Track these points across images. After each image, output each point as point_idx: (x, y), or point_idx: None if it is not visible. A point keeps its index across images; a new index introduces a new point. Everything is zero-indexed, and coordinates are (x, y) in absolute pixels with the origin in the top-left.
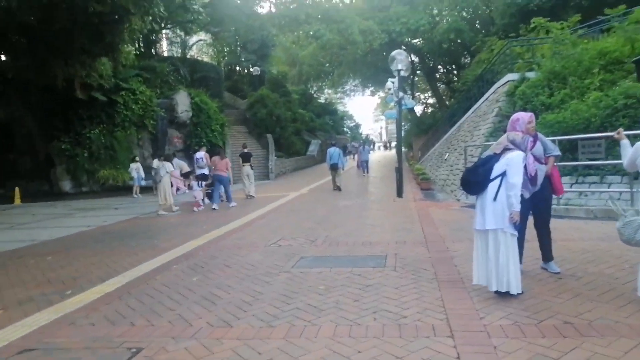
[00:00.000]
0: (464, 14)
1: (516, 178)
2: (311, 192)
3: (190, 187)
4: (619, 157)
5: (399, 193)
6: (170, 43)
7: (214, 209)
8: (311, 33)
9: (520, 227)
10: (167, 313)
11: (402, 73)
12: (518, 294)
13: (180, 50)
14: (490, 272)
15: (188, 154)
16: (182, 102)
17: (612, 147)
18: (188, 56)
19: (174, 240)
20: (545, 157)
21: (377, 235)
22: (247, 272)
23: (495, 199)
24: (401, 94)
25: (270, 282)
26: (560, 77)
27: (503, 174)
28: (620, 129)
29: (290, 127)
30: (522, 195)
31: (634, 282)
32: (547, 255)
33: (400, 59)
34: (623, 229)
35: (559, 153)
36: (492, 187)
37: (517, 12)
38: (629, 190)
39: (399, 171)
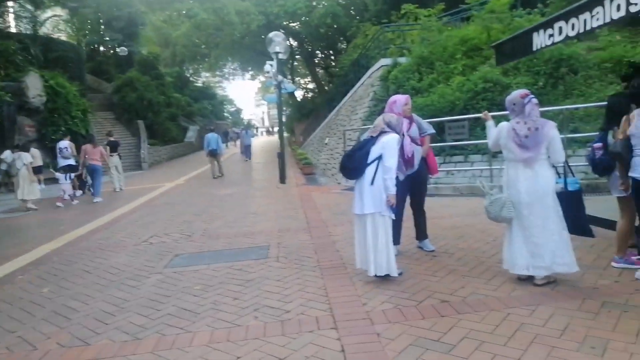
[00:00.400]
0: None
1: (391, 161)
2: (189, 182)
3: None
4: (480, 137)
5: (282, 179)
6: (17, 18)
7: (97, 201)
8: (183, 12)
9: (398, 210)
10: (5, 337)
11: (280, 56)
12: (398, 274)
13: (30, 27)
14: (369, 256)
15: (43, 144)
16: (34, 85)
17: (474, 128)
18: (40, 33)
19: (23, 245)
20: (420, 137)
21: (260, 224)
22: (110, 277)
23: (372, 182)
24: (280, 77)
25: (138, 287)
26: (428, 62)
27: (379, 158)
28: (486, 112)
29: (165, 112)
30: (397, 178)
31: (498, 255)
32: (422, 234)
33: (278, 41)
34: (490, 207)
35: (433, 131)
36: (369, 171)
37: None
38: (488, 167)
39: (281, 157)
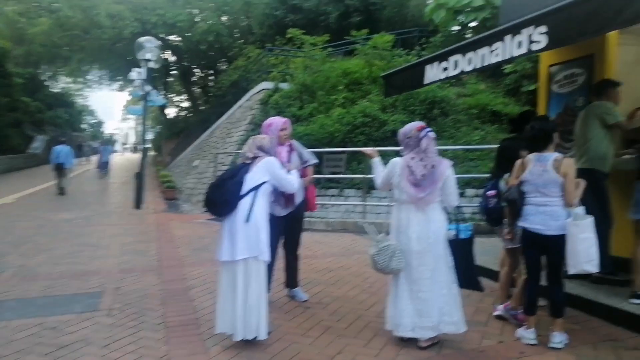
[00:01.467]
0: (224, 19)
1: (285, 179)
2: (21, 201)
3: None
4: (355, 171)
5: (138, 203)
6: None
7: None
8: (44, 5)
9: (270, 252)
10: None
11: (151, 64)
12: (267, 334)
13: None
14: (237, 316)
15: None
16: None
17: (351, 162)
18: None
19: None
20: (302, 168)
21: (98, 261)
22: None
23: (247, 219)
24: (148, 87)
25: None
26: (311, 90)
27: (256, 189)
28: (374, 149)
29: (7, 117)
30: (272, 215)
31: (376, 306)
32: (293, 282)
33: (150, 48)
34: (377, 256)
35: (316, 161)
36: (243, 205)
37: (275, 24)
38: (362, 203)
39: (139, 178)
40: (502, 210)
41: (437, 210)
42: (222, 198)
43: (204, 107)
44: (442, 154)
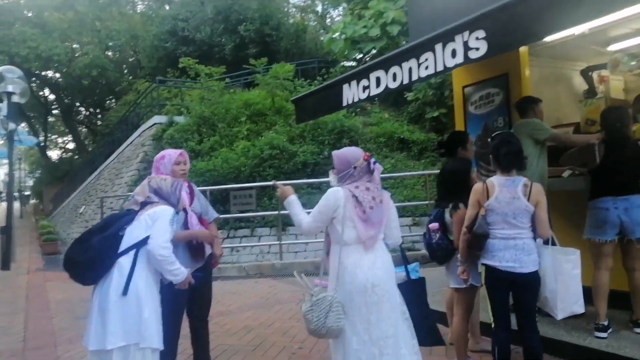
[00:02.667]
0: (110, 54)
1: (160, 240)
2: None
3: None
4: (267, 207)
5: (5, 263)
6: None
7: None
8: None
9: (173, 327)
10: None
11: (15, 98)
12: None
13: None
14: None
15: None
16: None
17: (261, 198)
18: None
19: None
20: (208, 220)
21: None
22: None
23: (125, 292)
24: (13, 125)
25: None
26: (210, 123)
27: (139, 245)
28: (284, 186)
29: None
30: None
31: None
32: (204, 357)
33: (11, 78)
34: (310, 313)
35: (218, 215)
36: (119, 269)
37: (165, 56)
38: (278, 243)
39: (6, 232)
40: (448, 247)
41: (385, 249)
42: (84, 257)
43: (91, 148)
44: None
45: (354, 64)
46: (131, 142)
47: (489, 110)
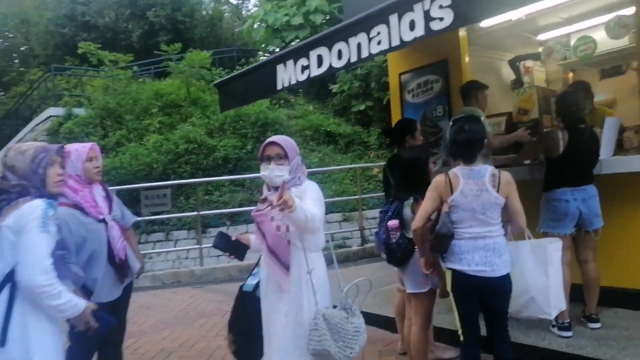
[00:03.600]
0: None
1: (35, 266)
2: None
3: None
4: (184, 208)
5: None
6: None
7: None
8: None
9: None
10: None
11: None
12: None
13: None
14: None
15: None
16: None
17: (177, 198)
18: None
19: None
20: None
21: None
22: None
23: (3, 343)
24: None
25: None
26: (116, 115)
27: (9, 277)
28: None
29: None
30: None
31: None
32: None
33: None
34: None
35: (135, 217)
36: None
37: (62, 43)
38: (197, 247)
39: None
40: (409, 246)
41: None
42: None
43: None
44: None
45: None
46: (21, 138)
47: (428, 98)
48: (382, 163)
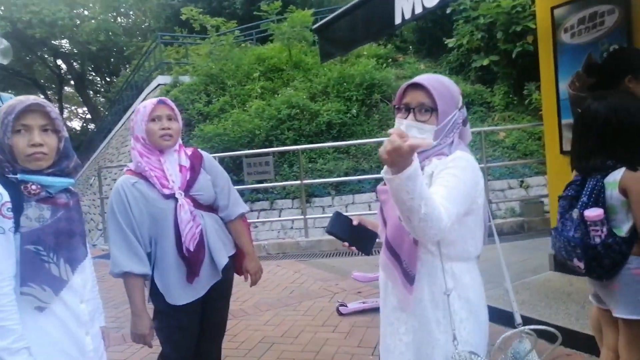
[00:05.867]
0: (120, 20)
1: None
2: None
3: None
4: (288, 176)
5: None
6: None
7: None
8: None
9: None
10: None
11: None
12: None
13: None
14: None
15: None
16: None
17: (280, 165)
18: None
19: None
20: (228, 218)
21: None
22: None
23: None
24: None
25: None
26: (219, 81)
27: None
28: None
29: None
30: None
31: None
32: None
33: None
34: None
35: (246, 208)
36: None
37: (172, 15)
38: (302, 217)
39: None
40: (622, 248)
41: None
42: None
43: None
44: None
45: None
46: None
47: (596, 36)
48: (510, 126)
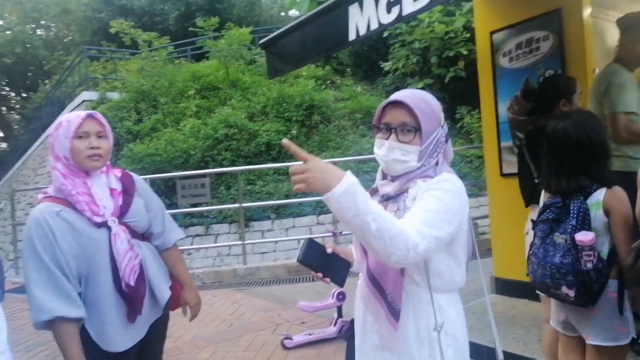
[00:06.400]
0: (40, 32)
1: None
2: None
3: None
4: (225, 199)
5: None
6: None
7: None
8: None
9: None
10: None
11: None
12: None
13: None
14: None
15: None
16: None
17: (217, 188)
18: None
19: None
20: (159, 246)
21: None
22: None
23: None
24: None
25: None
26: (151, 98)
27: None
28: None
29: None
30: None
31: None
32: None
33: None
34: None
35: (181, 234)
36: None
37: (100, 29)
38: (240, 243)
39: None
40: (606, 272)
41: None
42: None
43: (19, 134)
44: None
45: None
46: None
47: (532, 61)
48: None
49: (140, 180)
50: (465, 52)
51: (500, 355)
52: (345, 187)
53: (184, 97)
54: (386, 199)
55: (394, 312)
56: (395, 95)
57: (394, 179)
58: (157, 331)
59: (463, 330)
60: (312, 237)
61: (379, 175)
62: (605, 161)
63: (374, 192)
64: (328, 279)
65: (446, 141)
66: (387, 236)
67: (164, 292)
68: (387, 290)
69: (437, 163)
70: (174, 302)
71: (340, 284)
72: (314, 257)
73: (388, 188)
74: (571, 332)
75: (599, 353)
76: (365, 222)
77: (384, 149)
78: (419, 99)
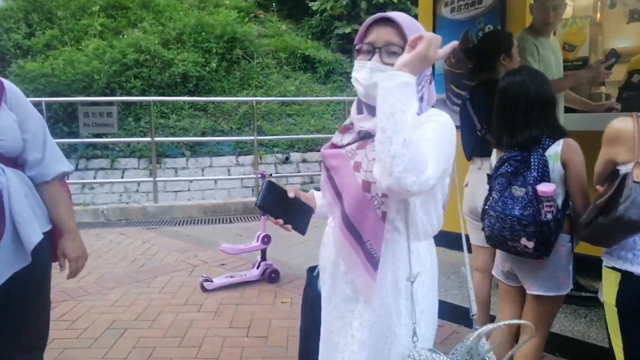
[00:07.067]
0: None
1: None
2: None
3: None
4: (134, 132)
5: None
6: None
7: None
8: None
9: None
10: None
11: None
12: None
13: None
14: None
15: None
16: None
17: (125, 119)
18: None
19: None
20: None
21: None
22: None
23: None
24: None
25: None
26: (45, 10)
27: None
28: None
29: None
30: None
31: None
32: None
33: None
34: None
35: (69, 168)
36: None
37: None
38: (150, 179)
39: None
40: (562, 226)
41: None
42: None
43: None
44: (255, 107)
45: None
46: None
47: (473, 14)
48: None
49: (15, 90)
50: (395, 0)
51: (474, 309)
52: (414, 80)
53: (86, 13)
54: (363, 137)
55: (373, 261)
56: (383, 14)
57: (371, 109)
58: (27, 284)
59: (435, 280)
60: (270, 178)
61: (354, 109)
62: (555, 113)
63: (346, 129)
64: (289, 226)
65: (430, 82)
66: (410, 153)
67: (33, 235)
68: (365, 237)
69: (421, 99)
70: (53, 252)
71: (302, 231)
72: (273, 202)
73: (368, 124)
74: (513, 282)
75: (539, 302)
76: (405, 123)
77: (364, 71)
78: (409, 20)
